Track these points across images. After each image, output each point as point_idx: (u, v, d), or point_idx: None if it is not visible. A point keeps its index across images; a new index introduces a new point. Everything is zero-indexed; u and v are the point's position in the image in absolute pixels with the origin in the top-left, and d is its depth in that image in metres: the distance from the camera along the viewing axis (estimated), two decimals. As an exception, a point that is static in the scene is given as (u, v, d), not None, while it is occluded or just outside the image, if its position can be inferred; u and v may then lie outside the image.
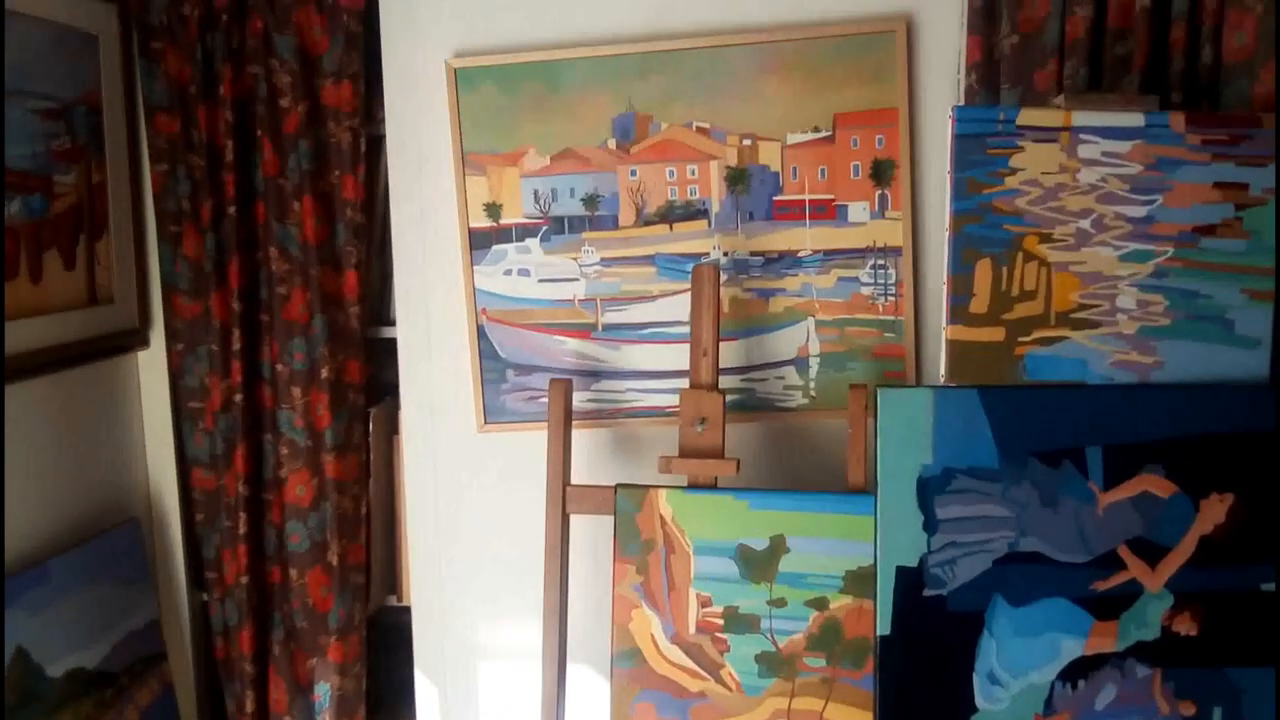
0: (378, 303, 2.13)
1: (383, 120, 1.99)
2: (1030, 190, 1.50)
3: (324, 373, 2.00)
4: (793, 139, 1.88)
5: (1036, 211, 1.51)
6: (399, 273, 2.00)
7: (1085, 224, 1.51)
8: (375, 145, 2.03)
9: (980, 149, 1.49)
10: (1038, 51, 1.72)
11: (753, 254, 1.92)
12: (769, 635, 1.71)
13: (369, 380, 2.10)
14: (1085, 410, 1.51)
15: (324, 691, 2.06)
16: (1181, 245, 1.52)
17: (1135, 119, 1.50)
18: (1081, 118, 1.49)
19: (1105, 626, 1.51)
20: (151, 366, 2.11)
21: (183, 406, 2.10)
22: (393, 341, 2.04)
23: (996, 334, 1.52)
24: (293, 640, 2.07)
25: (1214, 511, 1.52)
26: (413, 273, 1.99)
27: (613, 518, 1.76)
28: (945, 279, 1.51)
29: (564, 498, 1.81)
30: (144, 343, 2.10)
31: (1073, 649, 1.51)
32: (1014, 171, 1.50)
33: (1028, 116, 1.49)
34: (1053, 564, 1.51)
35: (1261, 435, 1.52)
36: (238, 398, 2.02)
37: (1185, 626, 1.52)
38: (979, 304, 1.51)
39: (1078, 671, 1.51)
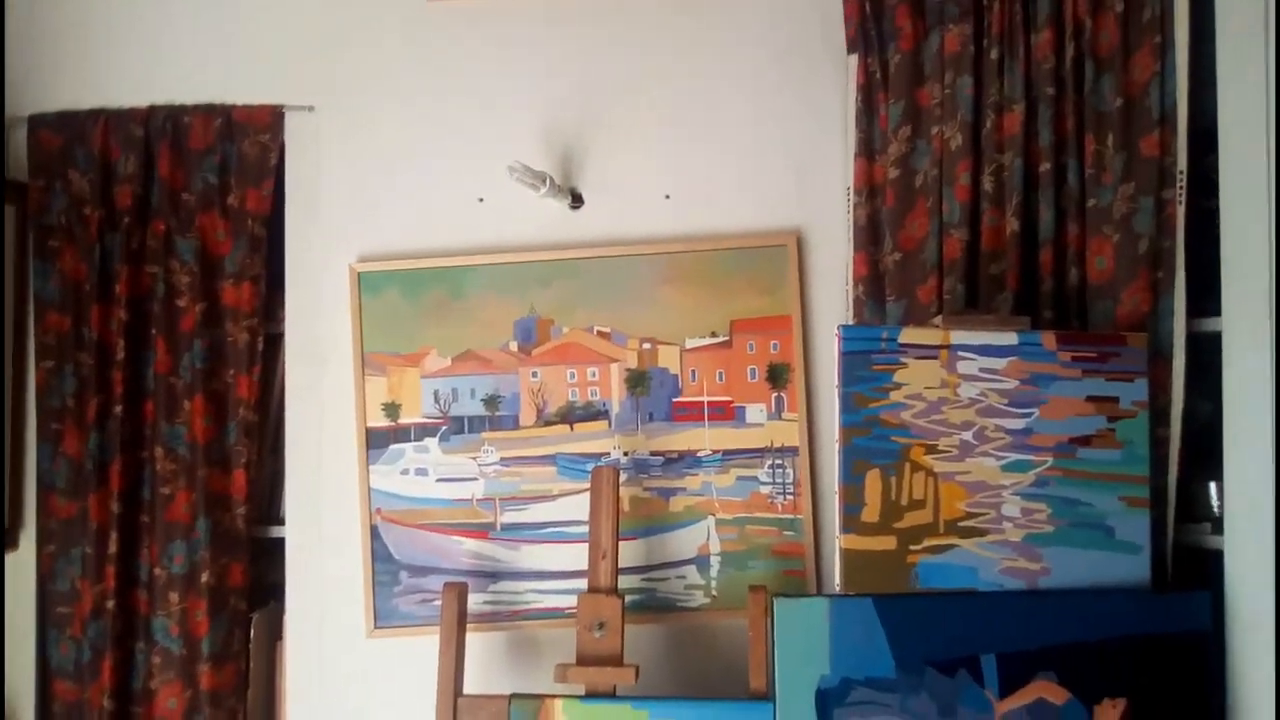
0: (267, 502, 2.06)
1: (282, 319, 1.99)
2: (914, 404, 1.56)
3: (204, 577, 1.91)
4: (691, 343, 1.93)
5: (921, 424, 1.57)
6: (291, 471, 1.96)
7: (968, 435, 1.58)
8: (273, 343, 2.02)
9: (866, 365, 1.56)
10: (918, 269, 1.82)
11: (653, 454, 1.93)
12: None
13: (253, 583, 2.01)
14: (978, 618, 1.53)
15: None
16: (1060, 455, 1.59)
17: (1009, 338, 1.59)
18: (959, 336, 1.58)
19: (1010, 845, 1.49)
20: (19, 569, 1.99)
21: (50, 612, 1.97)
22: (281, 542, 1.98)
23: (888, 543, 1.55)
24: None
25: (1108, 718, 1.53)
26: (306, 471, 1.95)
27: (507, 732, 1.68)
28: (837, 489, 1.55)
29: (455, 709, 1.73)
30: (13, 544, 1.98)
31: None
32: (898, 386, 1.56)
33: (909, 335, 1.57)
34: (954, 779, 1.49)
35: (1148, 640, 1.56)
36: (110, 603, 1.91)
37: (1089, 842, 1.50)
38: (870, 513, 1.54)
39: None
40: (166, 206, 1.95)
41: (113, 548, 1.91)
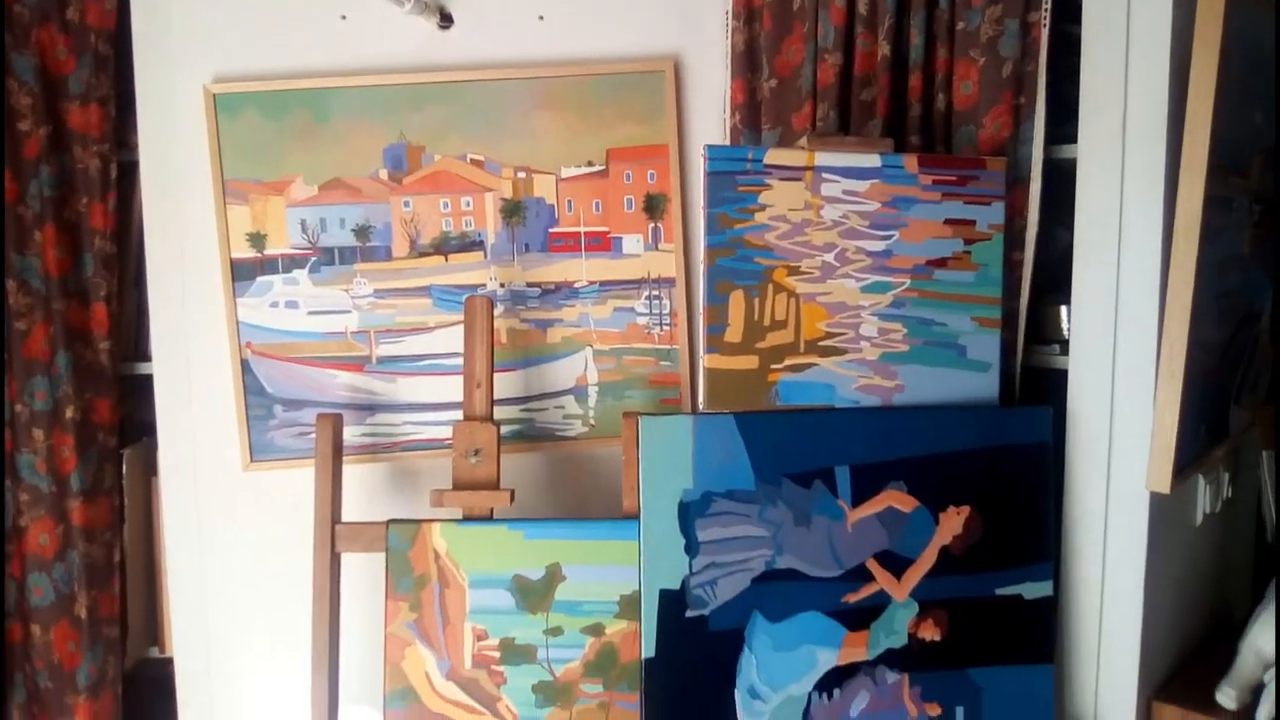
0: (133, 337, 2.01)
1: (136, 146, 1.89)
2: (778, 225, 1.58)
3: (69, 413, 1.86)
4: (567, 172, 1.91)
5: (785, 245, 1.59)
6: (155, 305, 1.90)
7: (829, 257, 1.61)
8: (129, 172, 1.92)
9: (731, 186, 1.56)
10: (794, 95, 1.82)
11: (529, 285, 1.93)
12: (546, 665, 1.70)
13: (124, 420, 1.97)
14: (834, 432, 1.60)
15: (72, 757, 1.91)
16: (917, 277, 1.64)
17: (872, 160, 1.61)
18: (823, 158, 1.59)
19: (857, 637, 1.60)
20: None
21: (-95, 453, 1.91)
22: (151, 378, 1.93)
23: (751, 362, 1.59)
24: (35, 703, 1.91)
25: (952, 523, 1.63)
26: (170, 305, 1.90)
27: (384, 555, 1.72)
28: (702, 310, 1.57)
29: (333, 536, 1.75)
30: None
31: (828, 660, 1.59)
32: (763, 208, 1.58)
33: (774, 156, 1.58)
34: (807, 580, 1.59)
35: (993, 452, 1.65)
36: (-32, 441, 1.86)
37: (930, 633, 1.62)
38: (734, 333, 1.58)
39: (833, 681, 1.59)
40: (-3, 20, 1.81)
41: (-32, 385, 1.85)
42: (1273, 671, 1.64)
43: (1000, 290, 1.68)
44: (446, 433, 1.92)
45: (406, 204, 1.90)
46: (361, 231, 1.89)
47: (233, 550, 1.94)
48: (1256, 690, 1.67)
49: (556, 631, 1.70)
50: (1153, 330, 1.59)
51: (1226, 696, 1.68)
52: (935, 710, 1.62)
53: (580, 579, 1.71)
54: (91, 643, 1.90)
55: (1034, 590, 1.65)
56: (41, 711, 1.91)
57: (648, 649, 1.55)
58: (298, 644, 1.89)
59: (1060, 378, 1.72)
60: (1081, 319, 1.66)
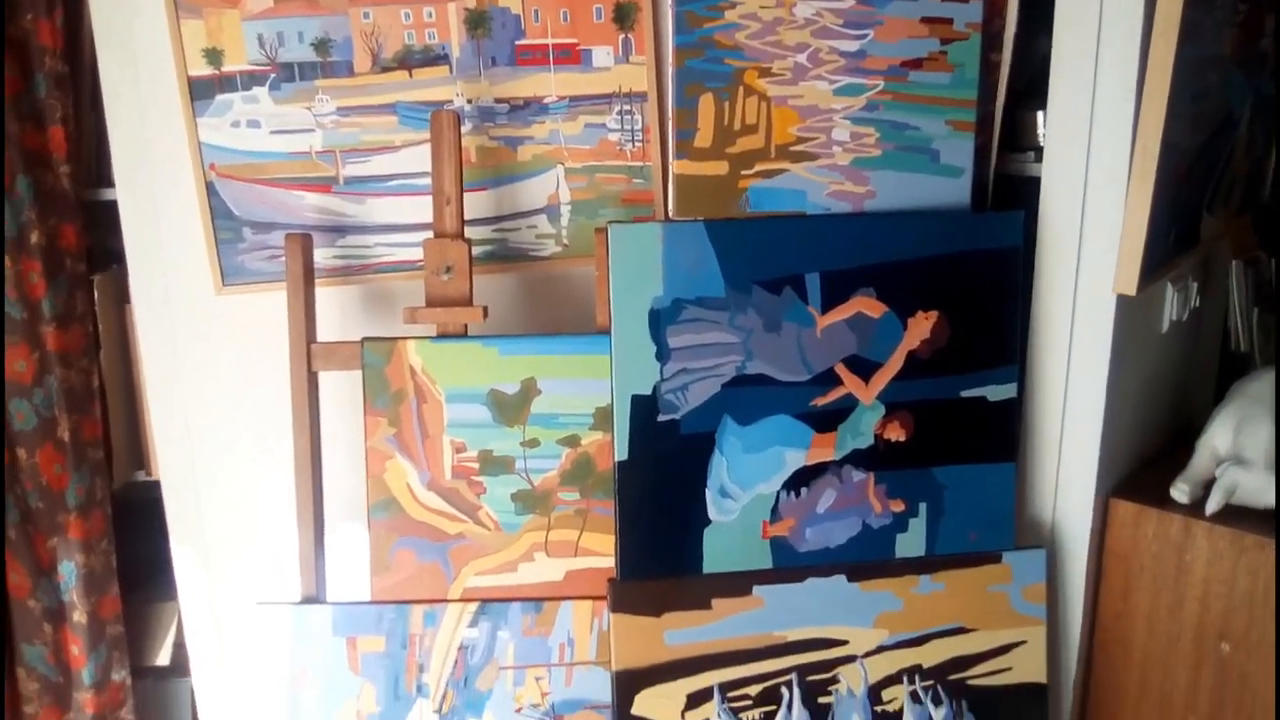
0: (95, 162, 1.96)
1: (80, -44, 1.80)
2: (749, 24, 1.54)
3: (34, 238, 1.84)
4: (532, -21, 1.84)
5: (756, 46, 1.55)
6: (113, 128, 1.84)
7: (802, 58, 1.57)
8: (76, -15, 1.85)
9: (699, -19, 1.51)
10: (767, -111, 1.73)
11: (498, 101, 1.88)
12: (524, 475, 1.75)
13: (92, 248, 1.95)
14: (804, 239, 1.60)
15: (69, 571, 1.97)
16: (891, 79, 1.61)
17: (846, -47, 1.55)
18: (795, -50, 1.53)
19: (824, 438, 1.64)
20: None
21: (-128, 282, 1.89)
22: (116, 204, 1.90)
23: (720, 168, 1.57)
24: (29, 523, 1.96)
25: (920, 329, 1.66)
26: (129, 127, 1.84)
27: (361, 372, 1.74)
28: (670, 114, 1.54)
29: (308, 355, 1.77)
30: None
31: (795, 460, 1.64)
32: (733, 5, 1.53)
33: (745, -51, 1.52)
34: (777, 384, 1.62)
35: (963, 257, 1.66)
36: (-64, 269, 1.84)
37: (895, 433, 1.67)
38: (703, 138, 1.56)
39: (800, 480, 1.65)
40: None
41: (-73, 210, 1.82)
42: (1225, 465, 1.70)
43: (976, 93, 1.65)
44: (419, 254, 1.90)
45: (366, 15, 1.83)
46: (321, 46, 1.83)
47: (211, 374, 1.95)
48: (1208, 485, 1.73)
49: (533, 443, 1.74)
50: (1128, 135, 1.57)
51: (1180, 492, 1.74)
52: (899, 506, 1.68)
53: (555, 392, 1.74)
54: (77, 464, 1.93)
55: (998, 392, 1.69)
56: (36, 530, 1.96)
57: (620, 452, 1.59)
58: (282, 462, 1.93)
59: (1033, 186, 1.72)
60: (1057, 121, 1.64)
